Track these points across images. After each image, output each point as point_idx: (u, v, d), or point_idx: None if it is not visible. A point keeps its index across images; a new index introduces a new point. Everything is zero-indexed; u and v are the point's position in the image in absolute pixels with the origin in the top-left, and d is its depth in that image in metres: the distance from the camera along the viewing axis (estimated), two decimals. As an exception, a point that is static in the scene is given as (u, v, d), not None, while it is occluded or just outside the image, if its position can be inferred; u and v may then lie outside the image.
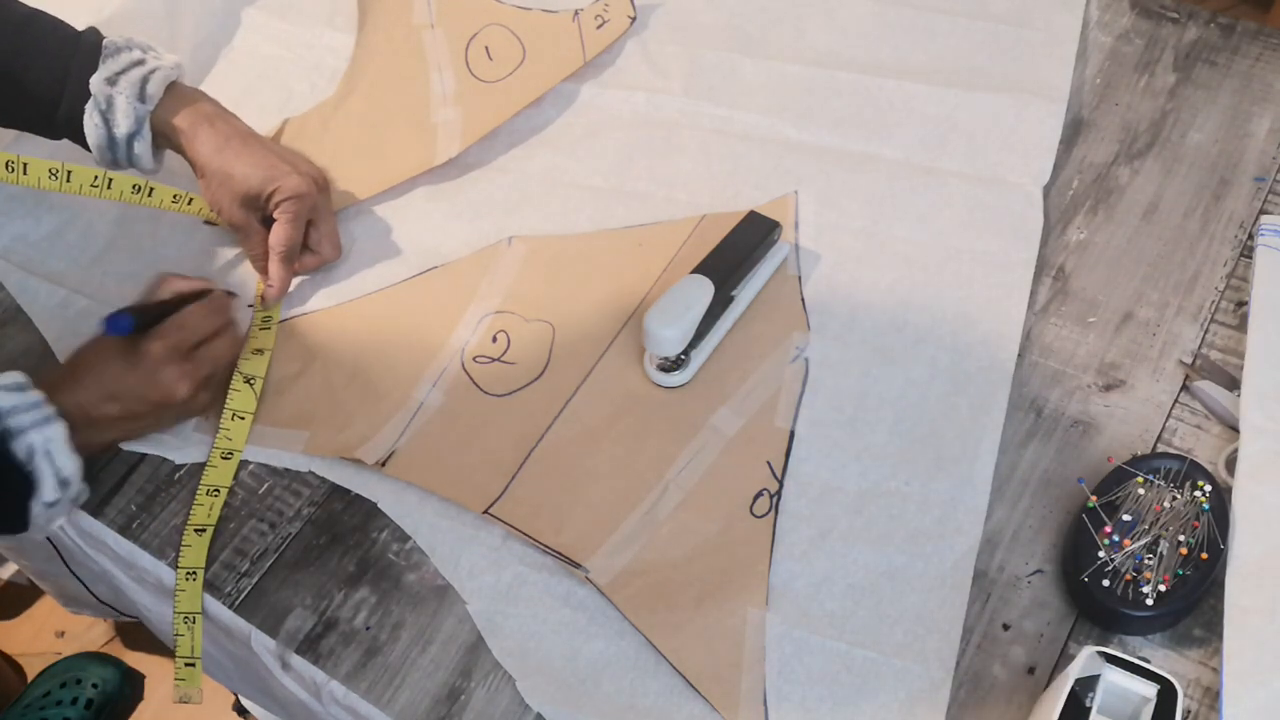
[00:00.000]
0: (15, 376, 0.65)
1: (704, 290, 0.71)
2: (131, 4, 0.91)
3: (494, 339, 0.77)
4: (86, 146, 0.76)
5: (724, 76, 0.90)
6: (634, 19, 0.93)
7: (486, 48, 0.92)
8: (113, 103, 0.74)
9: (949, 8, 0.92)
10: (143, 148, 0.76)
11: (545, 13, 0.94)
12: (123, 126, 0.74)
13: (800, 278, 0.78)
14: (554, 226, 0.83)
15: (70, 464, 0.65)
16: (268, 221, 0.78)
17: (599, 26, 0.92)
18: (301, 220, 0.78)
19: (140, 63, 0.75)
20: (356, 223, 0.85)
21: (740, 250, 0.75)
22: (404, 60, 0.92)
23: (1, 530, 0.67)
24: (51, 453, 0.64)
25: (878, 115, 0.87)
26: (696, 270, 0.73)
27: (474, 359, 0.76)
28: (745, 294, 0.76)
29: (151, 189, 0.79)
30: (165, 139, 0.77)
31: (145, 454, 0.74)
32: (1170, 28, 0.91)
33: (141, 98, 0.75)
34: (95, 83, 0.74)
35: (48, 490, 0.64)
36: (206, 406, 0.73)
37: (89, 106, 0.74)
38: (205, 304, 0.73)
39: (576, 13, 0.93)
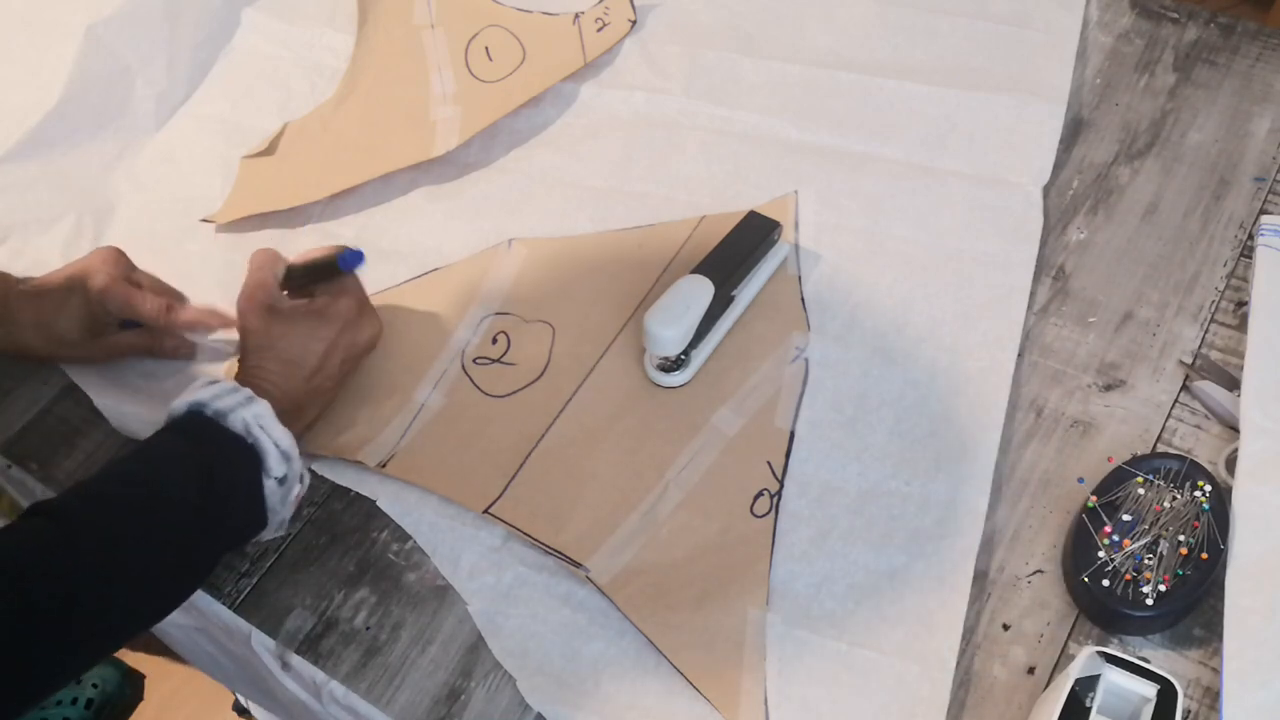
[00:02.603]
0: (205, 379, 0.64)
1: (704, 290, 0.71)
2: (131, 4, 0.91)
3: (494, 340, 0.77)
4: None
5: (724, 76, 0.90)
6: (634, 22, 0.93)
7: (486, 48, 0.92)
8: None
9: (949, 8, 0.92)
10: None
11: (546, 15, 0.94)
12: None
13: (800, 278, 0.78)
14: (554, 226, 0.83)
15: (284, 436, 0.63)
16: (124, 323, 0.76)
17: (599, 29, 0.92)
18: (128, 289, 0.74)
19: None
20: (357, 223, 0.86)
21: (740, 250, 0.75)
22: (404, 60, 0.92)
23: (249, 516, 0.62)
24: (265, 426, 0.62)
25: (878, 115, 0.87)
26: (696, 270, 0.73)
27: (474, 360, 0.76)
28: (745, 294, 0.76)
29: None
30: None
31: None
32: (1170, 28, 0.91)
33: None
34: None
35: (273, 463, 0.62)
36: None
37: None
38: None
39: (577, 16, 0.93)
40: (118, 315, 0.74)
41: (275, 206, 0.85)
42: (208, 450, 0.61)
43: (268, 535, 0.65)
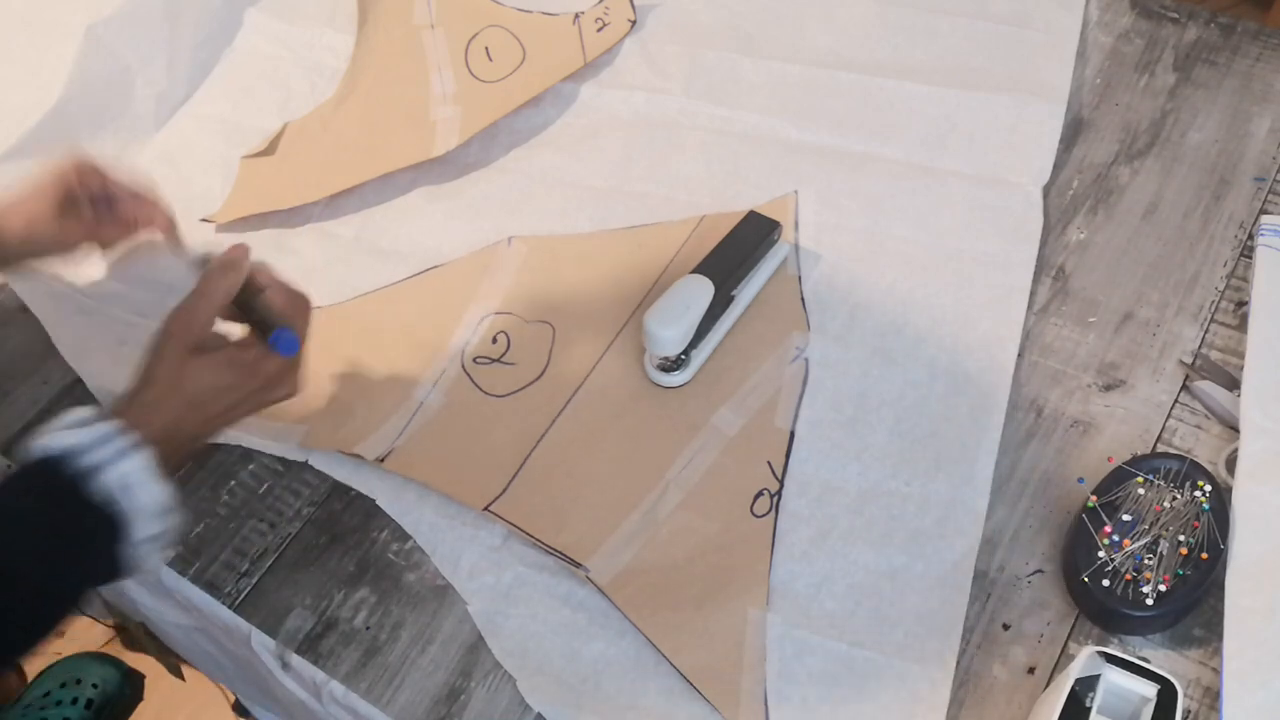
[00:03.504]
0: (80, 412, 0.57)
1: (704, 290, 0.71)
2: (131, 4, 0.91)
3: (494, 340, 0.77)
4: None
5: (724, 76, 0.90)
6: (634, 22, 0.93)
7: (486, 48, 0.92)
8: None
9: (949, 8, 0.92)
10: None
11: (545, 15, 0.94)
12: None
13: (800, 278, 0.78)
14: (554, 226, 0.83)
15: (161, 492, 0.57)
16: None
17: (599, 30, 0.92)
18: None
19: None
20: (356, 223, 0.86)
21: (740, 250, 0.75)
22: (404, 61, 0.92)
23: (97, 579, 0.57)
24: (137, 486, 0.55)
25: (878, 115, 0.87)
26: (696, 270, 0.73)
27: (474, 360, 0.76)
28: (745, 294, 0.76)
29: None
30: None
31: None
32: (1170, 28, 0.91)
33: None
34: None
35: (141, 527, 0.56)
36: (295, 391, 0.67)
37: None
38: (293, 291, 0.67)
39: (577, 16, 0.93)
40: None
41: (275, 206, 0.85)
42: (59, 518, 0.55)
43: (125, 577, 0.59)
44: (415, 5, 0.95)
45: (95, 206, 0.72)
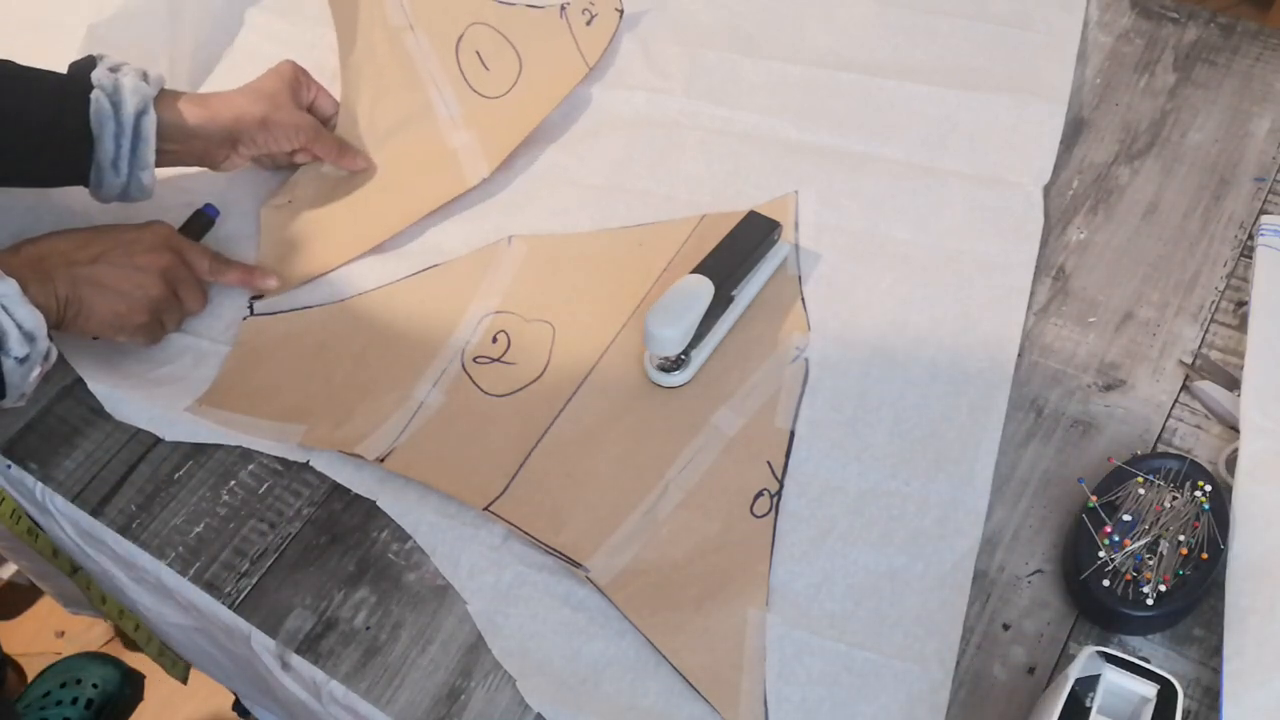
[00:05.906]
0: None
1: (704, 290, 0.71)
2: (132, 4, 0.91)
3: (494, 339, 0.77)
4: (84, 169, 0.75)
5: (724, 76, 0.90)
6: (621, 12, 0.91)
7: (478, 53, 0.90)
8: (119, 85, 0.74)
9: (949, 8, 0.92)
10: (149, 128, 0.74)
11: (530, 8, 0.92)
12: (130, 105, 0.73)
13: (800, 278, 0.78)
14: (554, 225, 0.83)
15: (30, 316, 0.65)
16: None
17: (588, 22, 0.91)
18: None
19: (128, 66, 0.76)
20: (357, 223, 0.85)
21: (740, 250, 0.75)
22: (395, 72, 0.89)
23: None
24: (7, 308, 0.64)
25: (878, 115, 0.87)
26: (696, 270, 0.73)
27: (474, 359, 0.76)
28: (745, 294, 0.76)
29: None
30: (172, 118, 0.76)
31: (144, 454, 0.74)
32: (1170, 28, 0.91)
33: (145, 79, 0.75)
34: (98, 73, 0.74)
35: (14, 344, 0.64)
36: (135, 333, 0.75)
37: (94, 94, 0.73)
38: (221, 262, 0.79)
39: (563, 8, 0.92)
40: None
41: (321, 269, 0.82)
42: None
43: (8, 404, 0.66)
44: (388, 6, 0.91)
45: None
